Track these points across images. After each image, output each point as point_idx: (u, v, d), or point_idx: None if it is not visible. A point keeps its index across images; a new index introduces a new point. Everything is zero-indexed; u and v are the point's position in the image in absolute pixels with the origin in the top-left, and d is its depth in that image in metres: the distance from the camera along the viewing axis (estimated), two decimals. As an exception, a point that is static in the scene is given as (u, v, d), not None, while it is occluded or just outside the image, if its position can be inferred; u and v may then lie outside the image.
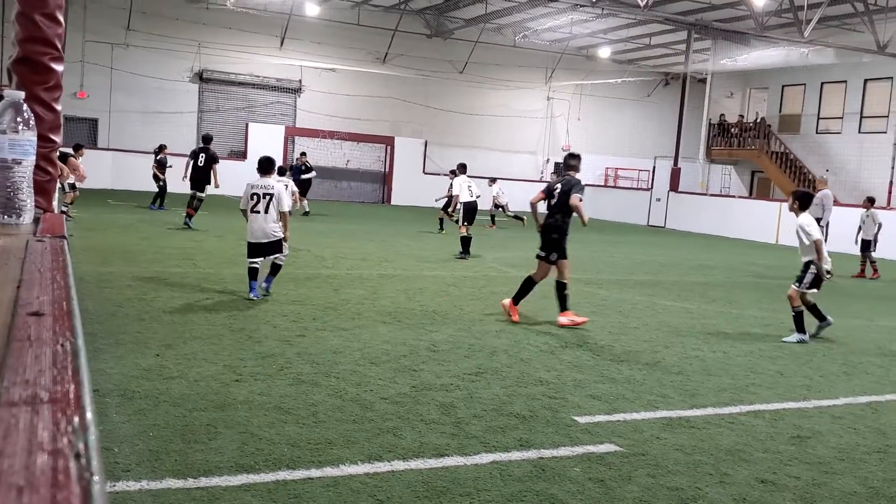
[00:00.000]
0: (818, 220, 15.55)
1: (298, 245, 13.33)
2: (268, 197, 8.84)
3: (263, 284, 9.12)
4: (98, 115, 29.39)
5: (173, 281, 9.85)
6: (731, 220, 27.29)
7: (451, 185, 17.28)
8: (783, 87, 34.02)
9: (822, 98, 32.32)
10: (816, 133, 32.24)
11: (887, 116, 28.58)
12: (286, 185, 11.49)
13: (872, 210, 16.93)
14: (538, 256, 9.07)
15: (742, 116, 35.04)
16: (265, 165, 9.13)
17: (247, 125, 31.25)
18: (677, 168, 30.30)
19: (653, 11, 23.71)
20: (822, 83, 32.02)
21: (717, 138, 34.25)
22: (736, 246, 23.63)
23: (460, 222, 15.28)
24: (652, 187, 32.34)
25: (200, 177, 17.42)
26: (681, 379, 6.77)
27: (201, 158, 17.52)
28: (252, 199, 8.88)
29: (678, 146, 30.48)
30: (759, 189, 34.88)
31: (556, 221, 8.87)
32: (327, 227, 19.82)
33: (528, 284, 9.00)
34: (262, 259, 9.00)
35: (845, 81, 30.96)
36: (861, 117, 30.46)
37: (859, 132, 30.38)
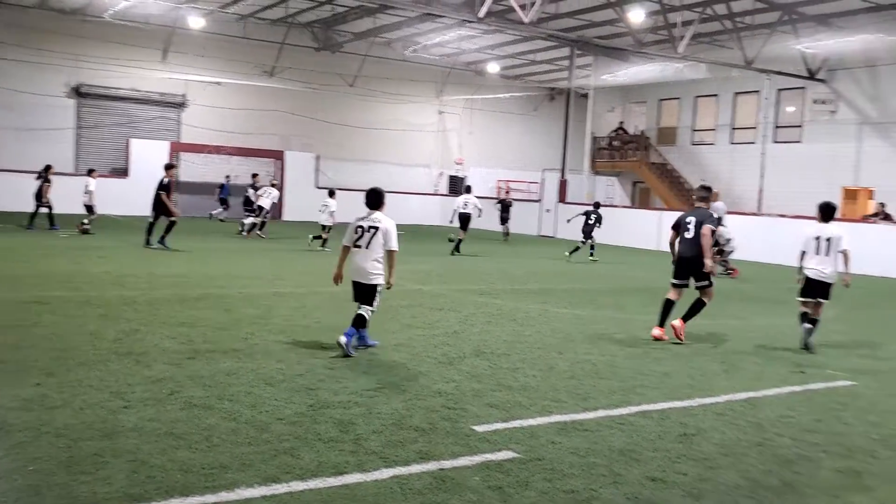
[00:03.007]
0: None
1: (186, 263, 12.94)
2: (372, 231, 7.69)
3: (343, 339, 7.54)
4: (-34, 132, 27.70)
5: (55, 305, 9.38)
6: (617, 229, 28.30)
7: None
8: (660, 100, 35.60)
9: (697, 111, 34.00)
10: (692, 144, 33.88)
11: (755, 128, 30.35)
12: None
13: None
14: (674, 285, 9.61)
15: (623, 129, 36.41)
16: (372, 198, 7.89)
17: (128, 141, 30.13)
18: (564, 180, 31.19)
19: (536, 28, 24.37)
20: (696, 97, 33.70)
21: (602, 151, 35.46)
22: (621, 253, 24.50)
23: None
24: (542, 199, 33.15)
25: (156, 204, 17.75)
26: (573, 383, 6.97)
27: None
28: (356, 232, 7.76)
29: (564, 159, 31.40)
30: (640, 198, 36.30)
31: (695, 251, 9.31)
32: (217, 244, 19.34)
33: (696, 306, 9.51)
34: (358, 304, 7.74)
35: (717, 95, 32.69)
36: (732, 129, 32.23)
37: (731, 143, 32.12)
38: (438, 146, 38.28)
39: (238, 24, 30.79)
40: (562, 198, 30.92)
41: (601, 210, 21.33)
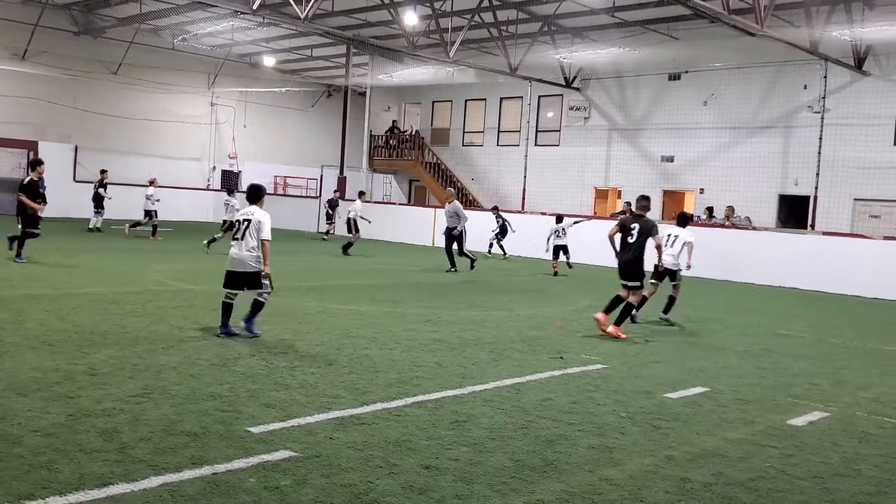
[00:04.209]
0: (456, 228, 18.66)
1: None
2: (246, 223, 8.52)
3: (242, 323, 8.55)
4: None
5: None
6: (394, 225, 28.91)
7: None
8: (434, 102, 36.76)
9: (467, 114, 35.50)
10: (463, 146, 35.33)
11: (519, 131, 32.26)
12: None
13: (563, 224, 20.40)
14: (626, 287, 10.51)
15: (397, 128, 37.15)
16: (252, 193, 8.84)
17: None
18: (343, 177, 31.29)
19: (313, 24, 24.20)
20: (466, 100, 35.17)
21: (380, 149, 35.97)
22: (398, 249, 25.04)
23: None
24: (320, 195, 33.00)
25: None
26: (352, 378, 7.05)
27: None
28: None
29: (343, 156, 31.51)
30: (416, 196, 37.30)
31: (636, 255, 10.43)
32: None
33: (627, 308, 10.49)
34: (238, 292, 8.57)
35: (485, 99, 34.34)
36: (499, 132, 34.02)
37: (498, 145, 33.90)
38: (211, 139, 36.84)
39: (-20, 0, 27.68)
40: (341, 194, 31.00)
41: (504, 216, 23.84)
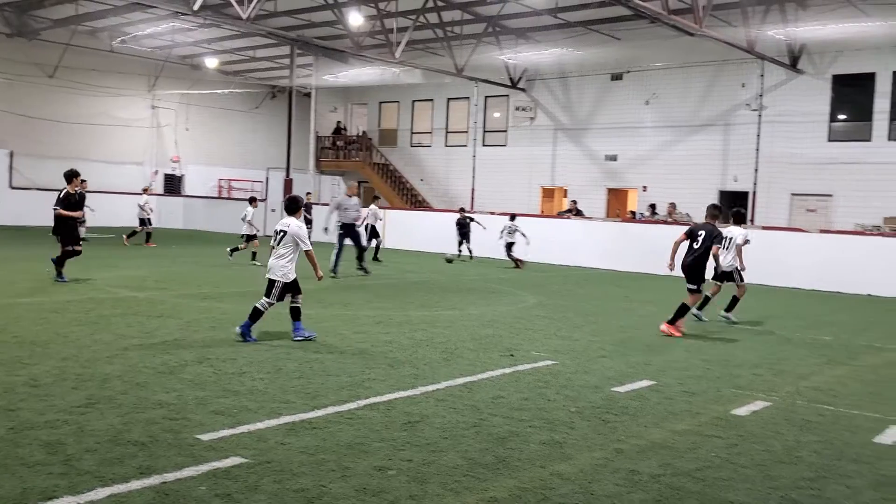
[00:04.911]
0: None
1: None
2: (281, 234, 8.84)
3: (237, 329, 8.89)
4: None
5: None
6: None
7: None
8: (380, 103, 36.70)
9: (414, 114, 35.52)
10: (411, 146, 35.35)
11: (467, 131, 32.41)
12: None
13: (514, 223, 21.26)
14: (691, 290, 11.03)
15: (343, 129, 36.99)
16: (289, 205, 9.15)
17: None
18: (289, 179, 31.01)
19: (255, 25, 23.93)
20: (414, 101, 35.20)
21: (327, 150, 35.74)
22: (350, 250, 24.86)
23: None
24: (266, 198, 32.65)
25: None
26: (302, 383, 7.00)
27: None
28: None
29: (289, 158, 31.22)
30: (365, 197, 37.14)
31: (697, 260, 11.01)
32: None
33: (682, 308, 10.89)
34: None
35: (432, 100, 34.41)
36: (447, 132, 34.12)
37: (446, 145, 34.00)
38: (153, 143, 36.14)
39: None
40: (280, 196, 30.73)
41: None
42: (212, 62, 35.01)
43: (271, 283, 8.78)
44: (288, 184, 30.86)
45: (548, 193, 30.94)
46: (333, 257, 16.75)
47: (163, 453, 4.95)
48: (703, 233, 11.09)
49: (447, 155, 33.63)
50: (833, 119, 23.95)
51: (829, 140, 23.88)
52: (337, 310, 11.77)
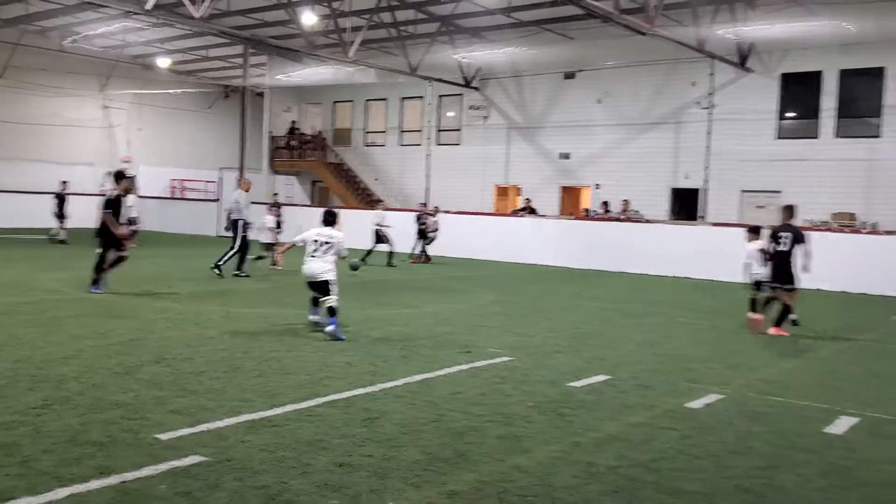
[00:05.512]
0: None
1: None
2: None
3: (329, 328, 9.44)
4: None
5: None
6: (298, 228, 28.52)
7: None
8: (335, 102, 36.49)
9: (368, 114, 35.41)
10: (365, 146, 35.22)
11: (421, 131, 32.44)
12: None
13: (437, 217, 22.28)
14: (784, 289, 11.23)
15: (297, 129, 36.71)
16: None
17: None
18: (243, 179, 30.68)
19: (208, 24, 23.63)
20: (367, 100, 35.08)
21: (281, 150, 35.44)
22: (300, 251, 24.70)
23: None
24: (220, 198, 32.27)
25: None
26: (261, 381, 7.00)
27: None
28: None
29: (242, 158, 30.88)
30: (320, 197, 36.96)
31: (787, 260, 11.16)
32: None
33: (785, 311, 11.24)
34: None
35: (386, 99, 34.34)
36: (401, 132, 34.09)
37: (400, 145, 33.96)
38: (104, 143, 35.46)
39: None
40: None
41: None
42: (164, 62, 34.49)
43: (325, 283, 9.74)
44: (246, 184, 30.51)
45: (502, 192, 31.12)
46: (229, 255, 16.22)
47: (122, 453, 4.93)
48: (788, 234, 11.21)
49: (401, 154, 33.60)
50: (782, 117, 24.51)
51: (778, 137, 24.44)
52: (295, 309, 11.73)
